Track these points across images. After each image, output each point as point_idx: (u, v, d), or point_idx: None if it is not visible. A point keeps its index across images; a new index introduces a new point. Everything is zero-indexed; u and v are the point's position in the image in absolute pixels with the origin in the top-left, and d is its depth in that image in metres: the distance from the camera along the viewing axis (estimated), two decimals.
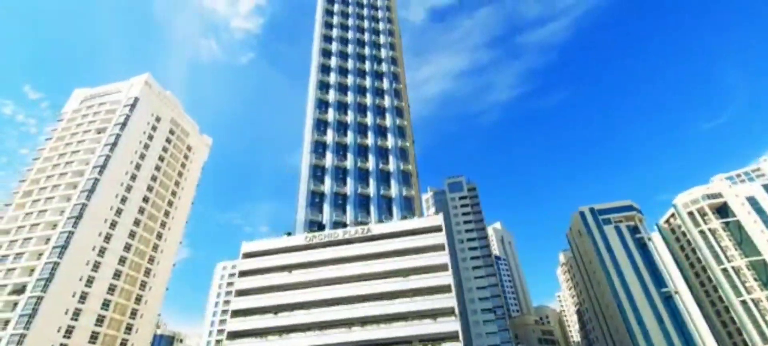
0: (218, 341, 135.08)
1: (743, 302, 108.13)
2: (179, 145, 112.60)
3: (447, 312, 52.78)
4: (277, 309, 57.98)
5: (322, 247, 62.38)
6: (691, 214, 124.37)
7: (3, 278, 74.75)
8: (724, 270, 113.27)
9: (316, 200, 76.69)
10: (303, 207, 75.05)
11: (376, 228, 62.17)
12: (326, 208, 75.31)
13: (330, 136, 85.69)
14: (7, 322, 69.82)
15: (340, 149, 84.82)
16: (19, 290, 73.01)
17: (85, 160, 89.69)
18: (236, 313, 59.22)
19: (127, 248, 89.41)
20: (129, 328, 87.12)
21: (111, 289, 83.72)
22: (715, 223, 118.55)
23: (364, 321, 54.41)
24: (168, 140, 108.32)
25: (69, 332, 73.91)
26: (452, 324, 51.40)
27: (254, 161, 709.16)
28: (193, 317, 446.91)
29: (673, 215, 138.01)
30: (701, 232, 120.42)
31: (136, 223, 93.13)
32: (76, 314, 75.67)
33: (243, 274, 63.00)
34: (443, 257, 57.14)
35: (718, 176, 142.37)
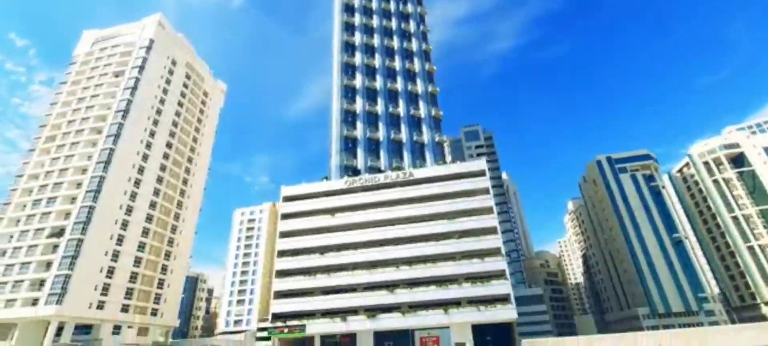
0: (242, 281, 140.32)
1: (750, 248, 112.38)
2: (196, 91, 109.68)
3: (494, 252, 54.31)
4: (323, 250, 59.40)
5: (364, 190, 62.76)
6: (706, 163, 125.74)
7: (39, 222, 75.26)
8: (735, 218, 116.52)
9: (349, 145, 76.22)
10: (337, 152, 74.75)
11: (419, 172, 62.28)
12: (360, 153, 75.05)
13: (359, 81, 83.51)
14: (48, 263, 71.23)
15: (370, 94, 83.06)
16: (57, 233, 73.79)
17: (107, 105, 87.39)
18: (283, 253, 60.72)
19: (156, 192, 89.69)
20: (164, 269, 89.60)
21: (145, 232, 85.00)
22: (730, 172, 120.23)
23: (411, 261, 56.01)
24: (185, 85, 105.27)
25: (111, 272, 75.88)
26: (499, 263, 53.11)
27: (250, 112, 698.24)
28: (207, 260, 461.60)
29: (687, 165, 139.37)
30: (715, 181, 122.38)
31: (163, 168, 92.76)
32: (115, 255, 77.29)
33: (285, 216, 63.84)
34: (488, 201, 57.88)
35: (730, 127, 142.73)
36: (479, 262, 53.71)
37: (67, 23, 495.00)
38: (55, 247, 72.67)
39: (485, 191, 58.63)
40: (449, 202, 58.71)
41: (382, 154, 75.65)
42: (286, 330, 54.50)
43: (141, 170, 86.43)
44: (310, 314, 56.58)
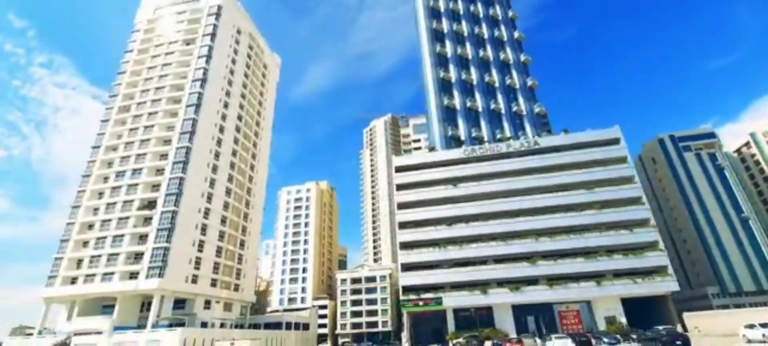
0: (293, 260, 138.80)
1: None
2: (257, 63, 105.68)
3: (642, 223, 51.61)
4: (451, 220, 56.70)
5: (486, 160, 59.75)
6: None
7: (126, 194, 72.39)
8: None
9: (448, 114, 72.79)
10: (437, 122, 71.54)
11: (544, 141, 59.18)
12: (461, 122, 71.75)
13: (449, 49, 79.57)
14: (141, 236, 68.71)
15: (462, 62, 79.32)
16: (146, 205, 71.02)
17: (181, 74, 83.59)
18: (404, 225, 58.02)
19: (232, 165, 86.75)
20: (241, 244, 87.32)
21: (225, 206, 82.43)
22: None
23: (553, 232, 53.37)
24: (248, 56, 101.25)
25: (200, 246, 73.49)
26: (650, 234, 50.45)
27: None
28: None
29: (747, 144, 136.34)
30: None
31: (235, 141, 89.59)
32: (204, 228, 74.82)
33: (400, 187, 61.05)
34: (627, 170, 54.91)
35: None
36: (627, 233, 51.11)
37: (66, 3, 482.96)
38: (147, 219, 70.02)
39: (622, 160, 55.65)
40: (583, 171, 55.79)
41: (483, 124, 72.42)
42: (421, 303, 52.18)
43: (219, 142, 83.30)
44: (440, 287, 54.30)
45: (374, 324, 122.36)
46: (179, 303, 70.89)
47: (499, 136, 70.05)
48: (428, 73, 76.82)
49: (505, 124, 72.68)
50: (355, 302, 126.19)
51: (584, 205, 53.73)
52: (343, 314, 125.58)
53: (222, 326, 74.48)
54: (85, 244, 70.63)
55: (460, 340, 48.18)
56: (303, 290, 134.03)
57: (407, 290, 53.98)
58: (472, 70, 77.91)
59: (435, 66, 76.92)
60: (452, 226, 56.42)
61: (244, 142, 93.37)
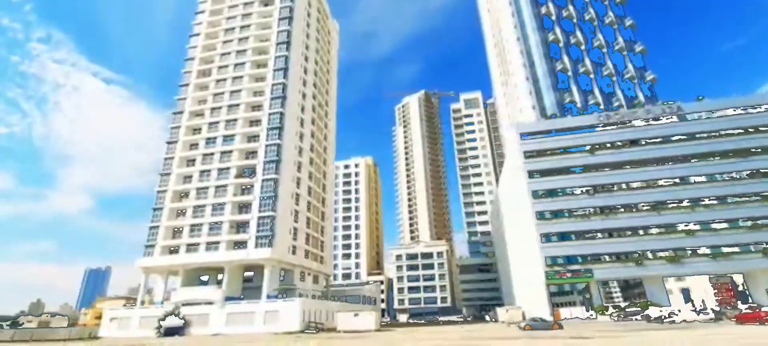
0: (345, 236, 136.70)
1: None
2: (324, 28, 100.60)
3: None
4: (592, 190, 53.62)
5: (621, 126, 56.19)
6: None
7: (220, 162, 69.05)
8: None
9: (560, 80, 68.79)
10: (549, 88, 67.59)
11: (690, 106, 55.48)
12: (574, 88, 67.80)
13: (553, 10, 74.77)
14: (241, 206, 65.80)
15: (567, 25, 74.56)
16: (241, 173, 67.80)
17: (263, 36, 79.09)
18: (538, 194, 54.94)
19: (312, 134, 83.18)
20: (322, 215, 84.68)
21: (310, 176, 79.27)
22: None
23: (708, 202, 50.34)
24: (318, 20, 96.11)
25: (296, 216, 70.74)
26: None
27: None
28: None
29: None
30: None
31: (313, 109, 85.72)
32: (297, 198, 71.89)
33: (528, 155, 57.61)
34: None
35: None
36: None
37: None
38: (245, 188, 66.98)
39: None
40: (737, 138, 52.38)
41: (597, 90, 68.50)
42: (568, 275, 49.65)
43: (302, 109, 79.50)
44: (580, 259, 51.65)
45: (433, 300, 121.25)
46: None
47: (616, 103, 66.31)
48: (532, 37, 72.46)
49: (618, 92, 68.85)
50: (411, 278, 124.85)
51: (744, 173, 50.59)
52: (401, 289, 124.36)
53: (314, 297, 72.58)
54: (180, 212, 67.79)
55: (619, 312, 45.87)
56: (357, 265, 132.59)
57: (550, 261, 51.36)
58: (578, 33, 73.52)
59: (540, 29, 72.47)
60: (594, 195, 53.46)
61: (319, 110, 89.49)
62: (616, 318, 45.23)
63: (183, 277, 64.70)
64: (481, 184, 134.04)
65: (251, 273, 68.67)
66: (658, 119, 55.52)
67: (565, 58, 70.22)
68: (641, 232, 50.85)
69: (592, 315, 49.48)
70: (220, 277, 68.71)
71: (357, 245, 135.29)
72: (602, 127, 56.45)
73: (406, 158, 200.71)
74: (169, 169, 70.50)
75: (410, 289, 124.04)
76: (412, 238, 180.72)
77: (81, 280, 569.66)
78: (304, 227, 73.96)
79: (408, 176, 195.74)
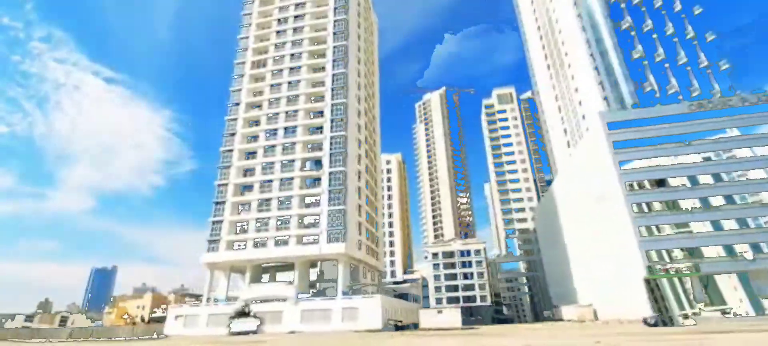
0: None
1: None
2: (368, 19, 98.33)
3: None
4: (692, 182, 51.25)
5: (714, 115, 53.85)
6: None
7: (282, 154, 66.75)
8: None
9: (636, 69, 66.46)
10: (623, 77, 65.16)
11: None
12: (651, 77, 65.41)
13: None
14: (306, 201, 63.46)
15: (637, 12, 72.19)
16: (302, 165, 65.52)
17: (319, 26, 76.77)
18: (633, 187, 52.60)
19: (366, 126, 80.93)
20: (376, 209, 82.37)
21: (366, 169, 76.97)
22: None
23: None
24: (365, 9, 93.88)
25: (359, 210, 68.44)
26: None
27: None
28: None
29: None
30: None
31: (366, 100, 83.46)
32: (359, 192, 69.58)
33: (620, 146, 55.21)
34: None
35: None
36: None
37: None
38: (313, 180, 64.67)
39: None
40: None
41: (673, 79, 66.10)
42: (672, 270, 47.33)
43: (359, 99, 77.20)
44: (683, 253, 49.31)
45: (471, 298, 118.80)
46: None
47: (694, 93, 63.93)
48: (603, 25, 70.10)
49: (694, 81, 66.43)
50: (448, 277, 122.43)
51: None
52: (438, 288, 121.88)
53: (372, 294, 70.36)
54: (243, 206, 65.53)
55: (726, 308, 43.63)
56: (392, 263, 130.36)
57: (652, 256, 48.99)
58: (649, 20, 71.10)
59: (610, 17, 70.14)
60: (694, 187, 51.09)
61: (368, 102, 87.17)
62: (728, 314, 43.07)
63: (250, 273, 62.32)
64: (517, 181, 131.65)
65: (316, 269, 66.44)
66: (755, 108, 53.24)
67: (639, 47, 67.92)
68: (750, 224, 48.52)
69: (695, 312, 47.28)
70: (277, 275, 66.61)
71: (391, 243, 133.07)
72: (696, 115, 54.14)
73: (429, 156, 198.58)
74: (228, 162, 68.23)
75: (448, 288, 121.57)
76: (435, 236, 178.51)
77: (87, 279, 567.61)
78: (365, 222, 71.70)
79: (430, 174, 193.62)
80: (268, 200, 63.84)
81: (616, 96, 65.37)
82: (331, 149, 64.91)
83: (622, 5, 72.05)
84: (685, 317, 44.96)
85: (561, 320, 74.49)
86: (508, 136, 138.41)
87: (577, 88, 79.26)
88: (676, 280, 49.07)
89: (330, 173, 63.27)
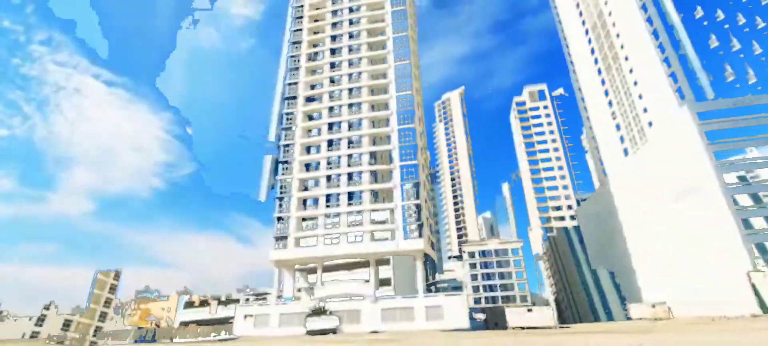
0: None
1: None
2: (410, 8, 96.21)
3: None
4: None
5: None
6: None
7: (348, 148, 64.52)
8: None
9: (711, 60, 64.63)
10: (700, 68, 63.30)
11: None
12: (729, 68, 63.54)
13: None
14: (376, 193, 61.27)
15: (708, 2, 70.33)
16: (369, 159, 63.34)
17: (376, 17, 74.89)
18: (730, 180, 50.53)
19: (420, 119, 78.70)
20: (425, 201, 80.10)
21: (426, 162, 74.71)
22: None
23: None
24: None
25: (426, 204, 66.14)
26: None
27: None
28: None
29: None
30: None
31: (419, 91, 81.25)
32: (424, 185, 67.27)
33: (712, 138, 53.14)
34: None
35: None
36: None
37: None
38: (379, 175, 62.49)
39: None
40: None
41: (750, 70, 64.27)
42: None
43: (416, 91, 74.97)
44: None
45: (511, 299, 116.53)
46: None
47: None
48: (673, 14, 68.30)
49: (750, 70, 64.63)
50: (485, 276, 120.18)
51: None
52: (476, 288, 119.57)
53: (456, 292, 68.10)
54: (307, 202, 63.20)
55: None
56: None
57: (761, 251, 46.96)
58: (719, 11, 69.31)
59: (681, 4, 68.39)
60: None
61: (419, 94, 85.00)
62: None
63: (321, 271, 59.90)
64: (554, 179, 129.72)
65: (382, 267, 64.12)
66: None
67: (713, 36, 66.19)
68: None
69: None
70: (345, 274, 64.35)
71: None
72: None
73: (449, 156, 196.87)
74: (289, 156, 65.95)
75: (485, 287, 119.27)
76: (459, 236, 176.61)
77: (91, 282, 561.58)
78: (430, 217, 69.50)
79: (452, 173, 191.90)
80: (337, 195, 61.59)
81: (696, 87, 63.44)
82: (399, 142, 62.71)
83: None
84: None
85: (629, 319, 72.26)
86: (542, 133, 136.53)
87: (637, 81, 77.42)
88: None
89: (401, 167, 61.07)
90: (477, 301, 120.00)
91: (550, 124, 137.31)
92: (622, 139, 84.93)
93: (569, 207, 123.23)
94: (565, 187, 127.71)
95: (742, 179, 51.57)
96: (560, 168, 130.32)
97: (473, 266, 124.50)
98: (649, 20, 72.63)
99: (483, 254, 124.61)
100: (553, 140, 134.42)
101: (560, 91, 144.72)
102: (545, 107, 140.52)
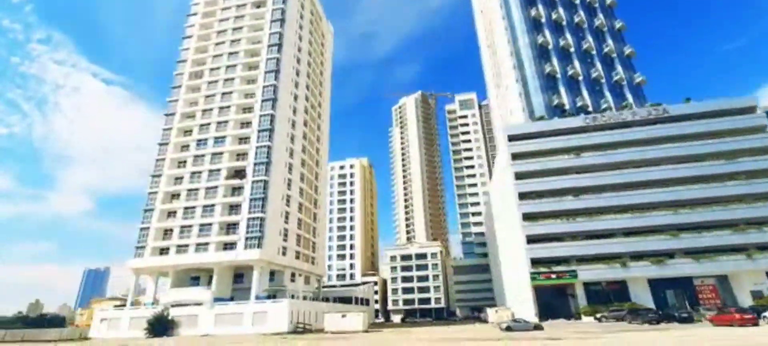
0: (340, 236, 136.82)
1: None
2: (317, 30, 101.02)
3: None
4: (577, 191, 54.04)
5: (610, 128, 56.72)
6: None
7: (211, 163, 69.40)
8: None
9: (549, 82, 69.31)
10: (537, 90, 68.13)
11: (675, 109, 55.97)
12: (563, 91, 68.33)
13: (543, 12, 75.22)
14: (232, 206, 66.16)
15: (557, 28, 75.16)
16: (234, 174, 68.16)
17: (255, 39, 79.44)
18: (524, 196, 55.42)
19: (304, 136, 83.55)
20: (314, 216, 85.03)
21: (301, 177, 79.62)
22: None
23: (693, 203, 50.82)
24: (311, 22, 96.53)
25: (287, 217, 71.14)
26: None
27: None
28: None
29: None
30: None
31: (306, 110, 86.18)
32: (288, 199, 72.25)
33: (515, 157, 58.13)
34: (764, 140, 51.90)
35: None
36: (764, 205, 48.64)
37: None
38: (235, 189, 67.34)
39: (760, 129, 52.70)
40: (717, 141, 52.91)
41: (584, 92, 68.99)
42: (553, 276, 50.04)
43: (294, 111, 79.88)
44: (564, 260, 52.15)
45: (427, 300, 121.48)
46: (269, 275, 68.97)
47: (604, 105, 66.75)
48: (521, 39, 72.91)
49: (607, 94, 69.25)
50: (405, 279, 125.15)
51: (725, 175, 51.05)
52: (395, 290, 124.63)
53: (304, 298, 72.96)
54: (170, 214, 68.18)
55: (604, 314, 46.31)
56: (351, 266, 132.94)
57: (536, 262, 51.75)
58: (568, 35, 73.92)
59: (530, 31, 72.93)
60: (579, 197, 53.85)
61: (312, 112, 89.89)
62: (602, 319, 45.61)
63: (173, 278, 65.02)
64: (475, 185, 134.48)
65: (241, 274, 68.98)
66: (644, 122, 55.91)
67: (554, 61, 70.60)
68: (626, 233, 51.27)
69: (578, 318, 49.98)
70: (203, 281, 69.14)
71: (352, 246, 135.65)
72: (590, 129, 56.81)
73: (403, 159, 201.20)
74: (160, 170, 70.91)
75: (404, 290, 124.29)
76: (408, 239, 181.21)
77: (80, 280, 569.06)
78: (295, 229, 74.34)
79: (404, 176, 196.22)
80: (193, 207, 66.51)
81: (529, 108, 68.12)
82: (255, 159, 67.59)
83: (542, 20, 74.86)
84: (598, 319, 45.78)
85: (486, 321, 77.13)
86: (469, 141, 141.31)
87: (508, 98, 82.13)
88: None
89: (253, 182, 65.94)
90: (395, 302, 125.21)
91: (476, 132, 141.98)
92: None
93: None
94: (485, 192, 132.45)
95: (537, 193, 56.07)
96: (482, 175, 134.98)
97: (394, 269, 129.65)
98: (509, 41, 77.07)
99: (404, 258, 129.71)
100: (478, 148, 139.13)
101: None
102: (473, 116, 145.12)
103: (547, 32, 73.25)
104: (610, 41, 74.66)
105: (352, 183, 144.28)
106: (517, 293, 61.46)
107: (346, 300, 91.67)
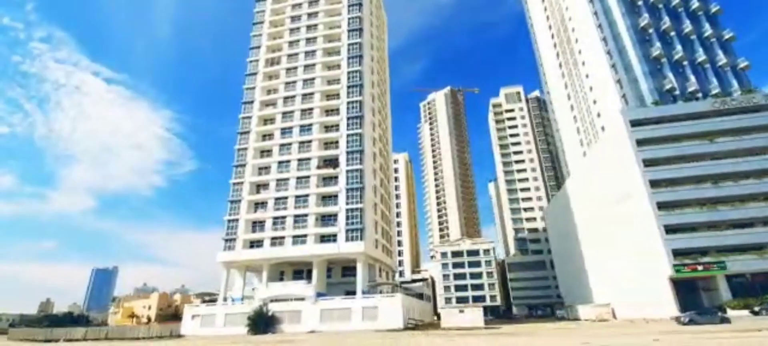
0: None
1: None
2: (379, 17, 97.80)
3: None
4: (716, 179, 50.79)
5: (737, 113, 53.42)
6: None
7: (299, 152, 66.13)
8: None
9: (655, 67, 66.01)
10: (645, 75, 64.78)
11: None
12: (670, 75, 64.99)
13: None
14: (324, 197, 62.88)
15: (655, 11, 71.80)
16: (320, 164, 64.87)
17: (333, 23, 76.25)
18: (656, 183, 52.08)
19: (379, 124, 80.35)
20: (390, 208, 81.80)
21: (381, 167, 76.45)
22: None
23: None
24: (376, 8, 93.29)
25: (375, 208, 67.88)
26: None
27: None
28: None
29: None
30: None
31: (378, 98, 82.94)
32: (374, 189, 69.01)
33: (640, 143, 54.76)
34: None
35: None
36: None
37: None
38: (325, 179, 64.07)
39: None
40: None
41: (692, 77, 65.71)
42: (699, 268, 46.83)
43: (373, 98, 76.65)
44: (703, 252, 48.93)
45: (481, 298, 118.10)
46: (347, 270, 65.67)
47: (714, 91, 63.52)
48: (621, 23, 69.65)
49: (713, 79, 66.00)
50: (457, 276, 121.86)
51: None
52: (447, 287, 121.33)
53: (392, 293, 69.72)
54: (259, 205, 64.92)
55: (765, 306, 43.11)
56: (400, 263, 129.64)
57: (679, 254, 48.46)
58: (666, 19, 70.64)
59: (629, 13, 69.72)
60: (717, 184, 50.63)
61: (380, 100, 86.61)
62: (761, 312, 42.45)
63: (268, 272, 61.56)
64: (526, 180, 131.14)
65: (330, 269, 65.78)
66: None
67: (658, 44, 67.43)
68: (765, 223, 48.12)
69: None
70: (295, 275, 65.97)
71: (399, 242, 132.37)
72: (724, 113, 53.57)
73: (433, 156, 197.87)
74: (243, 160, 67.69)
75: (457, 287, 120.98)
76: (441, 236, 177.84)
77: (88, 279, 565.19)
78: (380, 220, 71.16)
79: (436, 173, 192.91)
80: (285, 198, 63.26)
81: (635, 94, 64.88)
82: (347, 147, 64.33)
83: (639, 2, 71.60)
84: (755, 312, 42.62)
85: (577, 319, 73.81)
86: (517, 135, 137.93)
87: (592, 86, 78.77)
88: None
89: (347, 171, 62.69)
90: (448, 301, 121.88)
91: (525, 126, 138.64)
92: (581, 142, 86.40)
93: (541, 209, 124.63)
94: (537, 188, 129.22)
95: (672, 181, 52.77)
96: (533, 170, 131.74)
97: (445, 265, 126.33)
98: (601, 26, 73.93)
99: (455, 254, 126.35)
100: (528, 142, 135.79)
101: (537, 93, 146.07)
102: (521, 109, 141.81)
103: (646, 15, 69.96)
104: (707, 26, 71.40)
105: (397, 178, 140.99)
106: (634, 289, 58.07)
107: (418, 296, 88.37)
